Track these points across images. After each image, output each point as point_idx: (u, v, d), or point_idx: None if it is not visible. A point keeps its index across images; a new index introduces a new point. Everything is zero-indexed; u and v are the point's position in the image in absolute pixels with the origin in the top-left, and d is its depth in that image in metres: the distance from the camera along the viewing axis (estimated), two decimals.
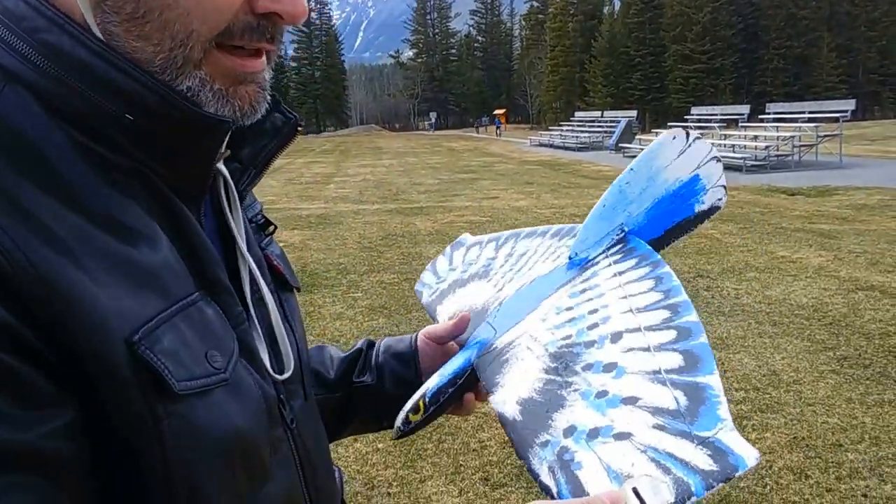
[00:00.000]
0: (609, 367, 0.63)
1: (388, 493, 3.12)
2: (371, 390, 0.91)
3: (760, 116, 20.32)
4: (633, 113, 30.09)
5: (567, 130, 33.77)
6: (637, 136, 26.17)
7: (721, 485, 0.49)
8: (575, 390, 0.62)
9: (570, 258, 0.84)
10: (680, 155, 0.85)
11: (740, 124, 21.67)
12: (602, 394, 0.60)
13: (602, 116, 32.80)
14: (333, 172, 20.64)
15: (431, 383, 0.82)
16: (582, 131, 31.62)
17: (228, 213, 0.66)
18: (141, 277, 0.52)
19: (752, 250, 7.55)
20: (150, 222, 0.55)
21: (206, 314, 0.56)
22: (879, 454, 3.21)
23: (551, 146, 31.71)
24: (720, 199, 0.87)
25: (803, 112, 18.09)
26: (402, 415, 0.83)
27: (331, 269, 7.44)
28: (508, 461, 3.31)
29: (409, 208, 11.99)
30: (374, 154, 30.31)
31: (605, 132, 28.84)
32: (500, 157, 25.60)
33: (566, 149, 29.38)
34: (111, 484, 0.50)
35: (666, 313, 0.66)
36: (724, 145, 19.57)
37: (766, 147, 17.13)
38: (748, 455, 0.50)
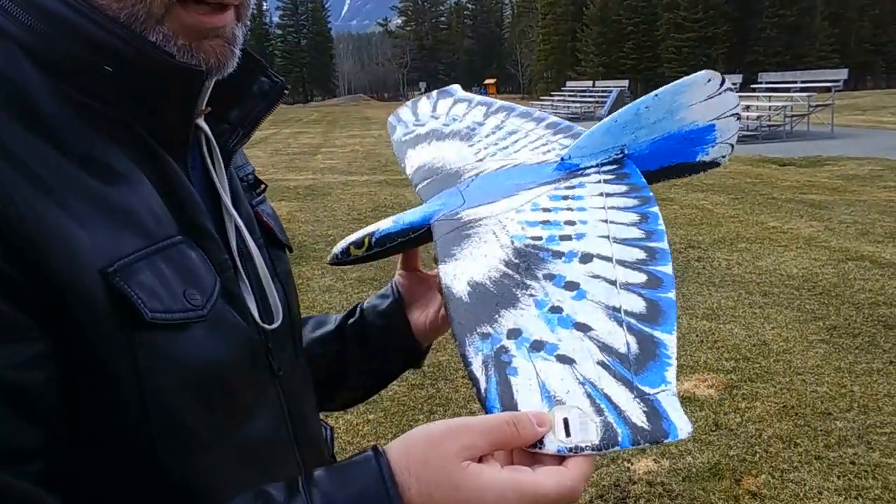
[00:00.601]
0: (571, 286, 0.61)
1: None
2: (357, 327, 0.93)
3: (752, 86, 20.26)
4: (625, 82, 29.92)
5: (558, 100, 33.56)
6: None
7: (646, 445, 0.48)
8: (531, 295, 0.61)
9: (561, 158, 0.81)
10: (707, 99, 0.82)
11: None
12: (556, 309, 0.59)
13: (594, 86, 32.60)
14: (321, 143, 20.46)
15: (383, 225, 0.83)
16: (573, 101, 31.42)
17: (212, 168, 0.68)
18: (120, 217, 0.55)
19: (744, 221, 7.55)
20: (133, 168, 0.58)
21: (188, 256, 0.59)
22: (867, 422, 3.23)
23: None
24: (723, 157, 0.85)
25: (795, 82, 18.05)
26: (343, 243, 0.85)
27: (319, 241, 7.39)
28: None
29: (399, 180, 11.91)
30: (362, 124, 30.06)
31: (597, 102, 28.68)
32: None
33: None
34: (88, 412, 0.52)
35: (642, 254, 0.64)
36: None
37: (758, 117, 17.08)
38: (682, 427, 0.49)
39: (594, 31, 64.72)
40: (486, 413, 0.53)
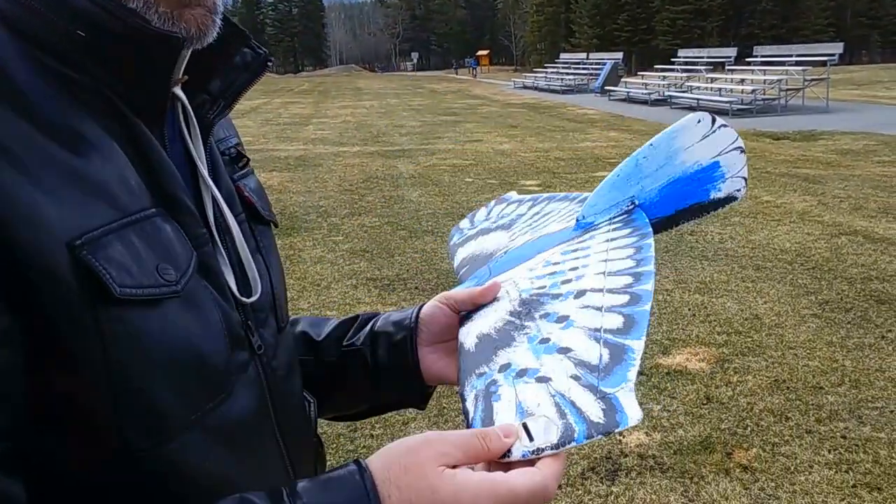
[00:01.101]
0: (561, 319, 0.66)
1: (372, 436, 3.11)
2: (362, 355, 0.85)
3: (747, 59, 20.13)
4: (619, 55, 29.69)
5: (552, 73, 33.35)
6: (623, 79, 25.88)
7: (600, 437, 0.53)
8: (525, 334, 0.66)
9: (577, 220, 0.85)
10: (702, 139, 0.84)
11: (727, 67, 21.47)
12: (544, 341, 0.64)
13: (587, 58, 32.34)
14: (312, 113, 20.27)
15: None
16: (567, 73, 31.22)
17: (188, 139, 0.65)
18: (91, 188, 0.53)
19: None
20: (107, 138, 0.56)
21: (163, 230, 0.57)
22: (859, 397, 3.24)
23: (535, 88, 31.35)
24: (738, 190, 0.85)
25: (790, 55, 17.93)
26: None
27: (311, 212, 7.33)
28: None
29: (391, 151, 11.82)
30: (354, 95, 29.79)
31: (591, 75, 28.48)
32: (483, 100, 25.28)
33: (551, 91, 29.05)
34: (53, 393, 0.50)
35: (629, 279, 0.69)
36: (711, 89, 19.42)
37: (753, 91, 17.01)
38: (632, 415, 0.54)
39: (588, 2, 64.07)
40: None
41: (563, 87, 28.74)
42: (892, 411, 3.11)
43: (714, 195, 0.84)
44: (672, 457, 2.83)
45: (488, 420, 0.58)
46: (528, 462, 0.54)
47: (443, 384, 0.85)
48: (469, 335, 0.72)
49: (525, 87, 32.86)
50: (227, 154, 0.74)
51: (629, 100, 21.96)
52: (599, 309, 0.65)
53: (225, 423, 0.59)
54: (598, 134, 13.53)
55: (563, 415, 0.55)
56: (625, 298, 0.66)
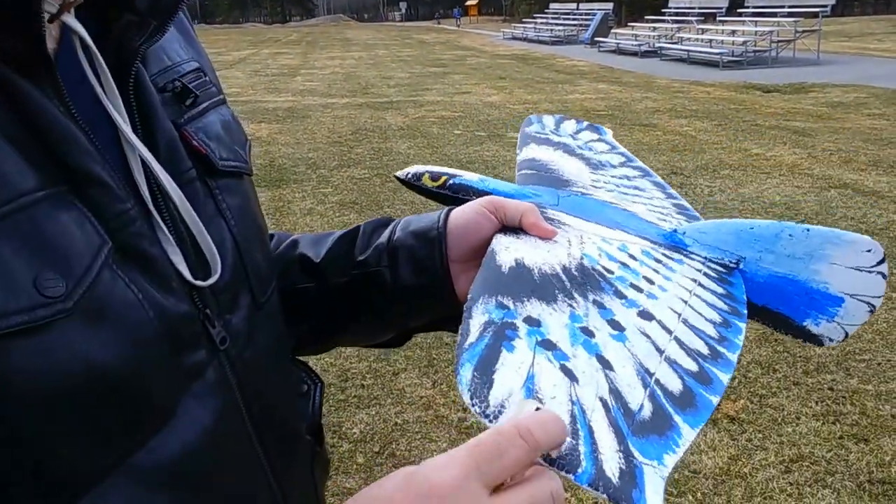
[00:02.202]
0: (616, 325, 0.57)
1: (362, 385, 3.12)
2: (379, 277, 0.69)
3: (739, 10, 19.86)
4: (610, 5, 29.16)
5: (541, 23, 32.82)
6: (613, 31, 25.53)
7: (603, 497, 0.43)
8: (570, 306, 0.57)
9: (674, 230, 0.76)
10: (854, 269, 0.71)
11: (718, 18, 21.18)
12: (588, 332, 0.55)
13: (577, 9, 31.76)
14: (300, 64, 19.92)
15: (467, 176, 0.77)
16: (556, 24, 30.74)
17: (95, 83, 0.48)
18: None
19: (727, 148, 7.50)
20: None
21: (51, 220, 0.41)
22: (846, 349, 3.27)
23: (525, 39, 30.89)
24: (831, 340, 0.73)
25: (782, 6, 17.68)
26: (421, 168, 0.78)
27: (300, 164, 7.24)
28: None
29: (380, 102, 11.66)
30: (342, 45, 29.27)
31: (581, 25, 28.05)
32: (472, 51, 24.91)
33: (540, 42, 28.63)
34: None
35: (705, 349, 0.58)
36: (702, 40, 19.19)
37: (744, 42, 16.82)
38: (652, 502, 0.43)
39: None
40: (457, 364, 0.48)
41: (553, 39, 28.32)
42: (879, 363, 3.15)
43: (808, 324, 0.72)
44: None
45: (487, 364, 0.48)
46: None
47: None
48: (506, 251, 0.60)
49: (514, 39, 32.36)
50: (168, 90, 0.56)
51: (619, 51, 21.68)
52: (660, 351, 0.56)
53: (163, 458, 0.46)
54: (587, 86, 13.38)
55: (575, 433, 0.45)
56: (692, 366, 0.56)
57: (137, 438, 0.44)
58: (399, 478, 0.41)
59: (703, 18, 22.32)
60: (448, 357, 3.32)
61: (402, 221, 0.71)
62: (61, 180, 0.43)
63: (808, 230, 0.71)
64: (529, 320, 0.53)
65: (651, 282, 0.64)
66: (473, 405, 0.45)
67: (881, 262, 0.70)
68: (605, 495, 0.43)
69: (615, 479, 0.43)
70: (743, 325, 0.64)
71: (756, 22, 18.27)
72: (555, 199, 0.76)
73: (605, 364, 0.52)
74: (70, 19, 0.47)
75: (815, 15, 16.80)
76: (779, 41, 16.90)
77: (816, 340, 0.72)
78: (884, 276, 0.70)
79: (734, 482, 2.44)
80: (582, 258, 0.63)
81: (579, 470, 0.43)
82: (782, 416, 2.79)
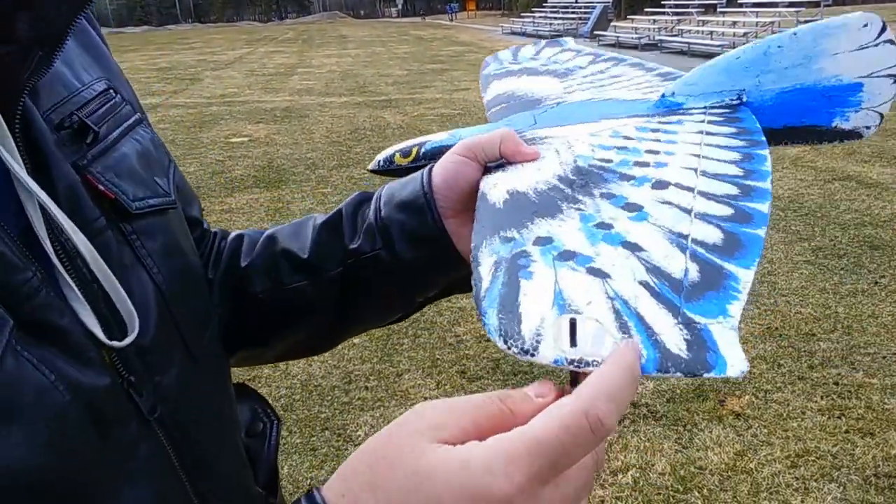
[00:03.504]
0: (632, 207, 0.51)
1: (366, 388, 3.11)
2: (378, 260, 0.63)
3: (740, 1, 19.80)
4: None
5: (540, 17, 32.76)
6: (612, 23, 25.46)
7: (678, 375, 0.39)
8: (578, 209, 0.51)
9: (662, 95, 0.70)
10: (859, 49, 0.66)
11: (719, 9, 21.12)
12: (605, 226, 0.49)
13: (576, 2, 31.69)
14: (297, 63, 19.88)
15: (436, 137, 0.72)
16: (555, 17, 30.69)
17: None
18: None
19: None
20: None
21: None
22: (851, 343, 3.25)
23: (524, 34, 30.82)
24: (868, 128, 0.68)
25: None
26: (388, 151, 0.74)
27: (298, 165, 7.23)
28: (484, 355, 3.30)
29: (378, 101, 11.63)
30: (338, 43, 29.22)
31: (580, 19, 28.00)
32: (470, 47, 24.85)
33: (539, 36, 28.54)
34: None
35: (734, 190, 0.53)
36: (702, 32, 19.13)
37: (745, 34, 16.77)
38: (734, 363, 0.38)
39: None
40: (480, 315, 0.43)
41: (552, 32, 28.25)
42: (884, 357, 3.13)
43: (838, 123, 0.67)
44: (665, 405, 2.84)
45: (510, 301, 0.42)
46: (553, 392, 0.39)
47: None
48: (496, 187, 0.56)
49: (513, 33, 32.28)
50: (66, 127, 0.48)
51: (619, 44, 21.63)
52: (687, 211, 0.50)
53: None
54: None
55: (623, 327, 0.40)
56: (727, 211, 0.50)
57: None
58: (452, 476, 0.33)
59: (703, 10, 22.26)
60: (451, 358, 3.31)
61: (384, 194, 0.65)
62: None
63: (794, 34, 0.66)
64: (539, 241, 0.49)
65: (655, 152, 0.60)
66: (509, 347, 0.40)
67: (883, 30, 0.66)
68: (679, 374, 0.39)
69: (684, 353, 0.39)
70: (765, 152, 0.59)
71: (757, 13, 18.22)
72: (531, 120, 0.71)
73: (634, 248, 0.48)
74: None
75: (817, 4, 16.76)
76: (780, 31, 16.83)
77: (854, 135, 0.67)
78: (892, 42, 0.65)
79: (740, 478, 2.43)
80: (576, 161, 0.59)
81: (642, 361, 0.39)
82: (787, 411, 2.78)
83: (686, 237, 0.48)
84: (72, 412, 0.39)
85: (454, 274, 0.63)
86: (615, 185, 0.54)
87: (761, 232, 0.48)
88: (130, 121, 0.55)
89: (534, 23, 31.93)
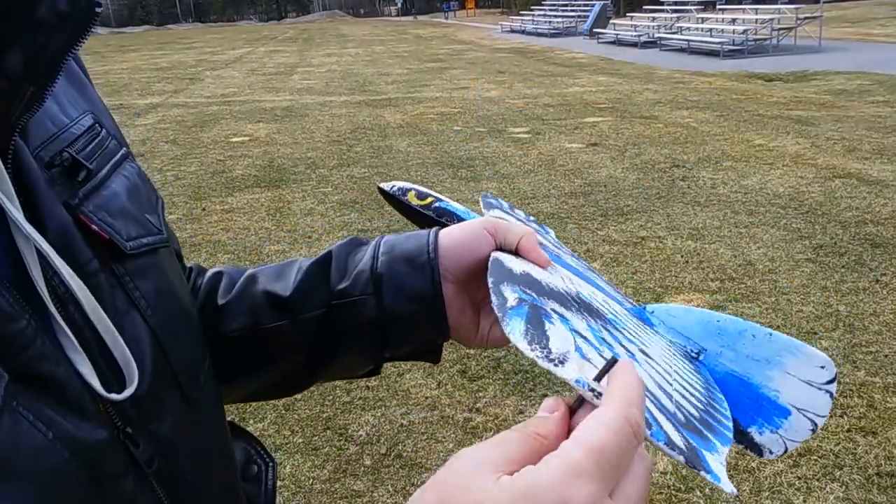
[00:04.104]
0: (626, 349, 0.53)
1: (367, 387, 3.11)
2: (364, 306, 0.61)
3: None
4: None
5: (539, 15, 32.72)
6: (612, 21, 25.43)
7: (680, 459, 0.40)
8: (584, 318, 0.52)
9: (643, 306, 0.73)
10: (805, 382, 0.70)
11: (718, 6, 21.09)
12: (607, 343, 0.50)
13: (575, 0, 31.68)
14: (297, 62, 19.87)
15: (453, 204, 0.75)
16: (555, 16, 30.63)
17: None
18: None
19: (729, 139, 7.46)
20: None
21: None
22: (853, 341, 3.24)
23: (523, 32, 30.79)
24: (771, 452, 0.70)
25: None
26: (408, 184, 0.75)
27: (299, 164, 7.22)
28: (485, 354, 3.30)
29: (378, 100, 11.62)
30: (338, 42, 29.19)
31: (579, 17, 27.95)
32: (469, 45, 24.83)
33: (538, 35, 28.54)
34: None
35: (701, 401, 0.56)
36: (701, 29, 19.11)
37: (744, 31, 16.74)
38: (725, 484, 0.40)
39: None
40: (502, 319, 0.43)
41: (552, 31, 28.23)
42: (886, 355, 3.12)
43: (753, 431, 0.69)
44: None
45: (536, 322, 0.43)
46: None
47: (467, 344, 0.65)
48: (511, 261, 0.56)
49: (512, 32, 32.25)
50: (56, 165, 0.46)
51: (618, 42, 21.60)
52: (669, 383, 0.53)
53: None
54: (587, 79, 13.33)
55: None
56: (695, 412, 0.53)
57: None
58: (515, 491, 0.32)
59: (702, 7, 22.23)
60: (452, 357, 3.31)
61: (384, 244, 0.64)
62: None
63: (770, 335, 0.69)
64: (556, 311, 0.50)
65: (637, 333, 0.62)
66: (532, 350, 0.41)
67: (832, 380, 0.69)
68: (681, 458, 0.40)
69: (686, 449, 0.41)
70: (722, 397, 0.63)
71: (756, 10, 18.18)
72: (541, 234, 0.74)
73: (646, 355, 0.50)
74: None
75: (817, 0, 16.73)
76: (780, 29, 16.81)
77: (757, 449, 0.69)
78: (832, 395, 0.69)
79: (742, 477, 2.42)
80: (579, 294, 0.61)
81: (652, 429, 0.40)
82: None
83: (671, 396, 0.50)
84: (71, 470, 0.38)
85: (432, 339, 0.63)
86: (611, 327, 0.57)
87: (729, 434, 0.52)
88: (118, 156, 0.53)
89: (533, 21, 31.89)
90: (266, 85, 14.44)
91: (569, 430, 0.37)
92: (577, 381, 0.39)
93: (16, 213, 0.40)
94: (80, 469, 0.38)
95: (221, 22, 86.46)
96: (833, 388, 0.68)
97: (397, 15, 74.58)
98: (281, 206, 5.75)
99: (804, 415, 0.68)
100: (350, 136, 8.64)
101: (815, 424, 0.68)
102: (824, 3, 16.72)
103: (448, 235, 0.61)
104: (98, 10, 0.44)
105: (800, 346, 0.69)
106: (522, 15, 36.36)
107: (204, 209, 5.81)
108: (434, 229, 0.63)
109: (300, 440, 2.76)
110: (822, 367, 0.69)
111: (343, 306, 0.61)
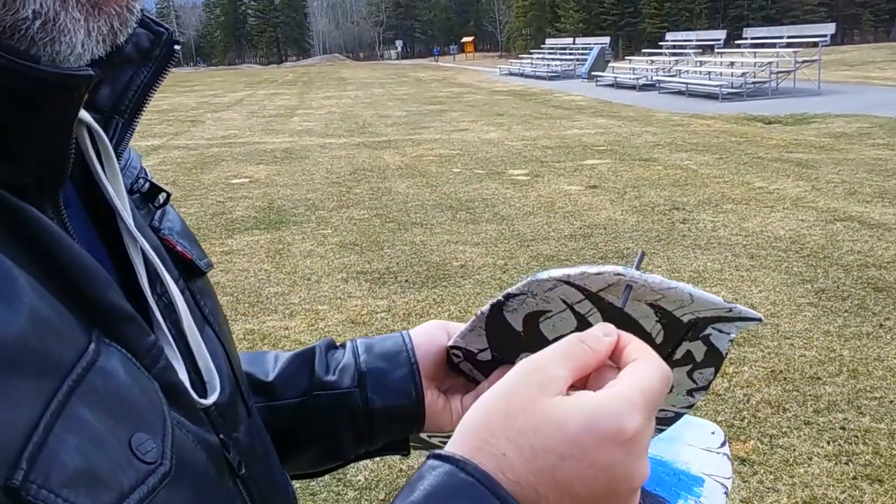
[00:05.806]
0: None
1: None
2: (350, 399, 0.64)
3: (737, 42, 20.10)
4: (606, 39, 29.52)
5: (538, 59, 33.22)
6: (610, 64, 25.78)
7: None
8: None
9: None
10: (704, 449, 0.76)
11: (716, 50, 21.41)
12: None
13: (574, 43, 32.18)
14: (297, 105, 20.11)
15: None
16: (553, 59, 31.10)
17: (105, 182, 0.43)
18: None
19: (729, 181, 7.48)
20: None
21: (113, 373, 0.35)
22: (857, 387, 3.20)
23: (522, 75, 31.22)
24: None
25: (781, 37, 17.90)
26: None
27: (299, 206, 7.24)
28: None
29: (377, 142, 11.72)
30: (338, 85, 29.59)
31: (578, 60, 28.36)
32: (468, 88, 25.15)
33: (537, 77, 28.92)
34: None
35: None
36: (700, 72, 19.36)
37: (743, 74, 16.95)
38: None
39: None
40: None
41: (550, 74, 28.61)
42: (891, 401, 3.07)
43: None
44: None
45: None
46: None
47: (439, 433, 0.67)
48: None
49: (511, 74, 32.71)
50: (136, 191, 0.50)
51: (617, 85, 21.88)
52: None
53: None
54: (585, 121, 13.46)
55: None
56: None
57: None
58: (578, 419, 0.38)
59: (700, 51, 22.57)
60: None
61: (360, 344, 0.67)
62: (94, 322, 0.36)
63: (677, 415, 0.72)
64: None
65: None
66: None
67: (723, 443, 0.75)
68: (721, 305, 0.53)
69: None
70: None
71: (755, 53, 18.45)
72: None
73: None
74: (85, 115, 0.42)
75: (815, 44, 17.03)
76: (778, 72, 17.04)
77: None
78: (728, 457, 0.75)
79: None
80: None
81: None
82: (794, 457, 2.72)
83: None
84: (211, 472, 0.41)
85: (408, 431, 0.66)
86: None
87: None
88: (161, 200, 0.55)
89: (532, 64, 32.35)
90: (266, 127, 14.58)
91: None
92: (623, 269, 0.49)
93: (139, 236, 0.44)
94: (214, 470, 0.42)
95: (223, 66, 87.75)
96: (727, 450, 0.75)
97: (397, 58, 75.76)
98: (280, 247, 5.74)
99: (715, 480, 0.74)
100: (349, 177, 8.68)
101: (726, 487, 0.73)
102: (822, 46, 16.96)
103: (415, 333, 0.66)
104: (177, 47, 0.48)
105: (690, 418, 0.74)
106: (521, 58, 36.93)
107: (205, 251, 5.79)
108: (403, 332, 0.67)
109: (298, 485, 2.69)
110: (713, 433, 0.77)
111: (327, 398, 0.64)
